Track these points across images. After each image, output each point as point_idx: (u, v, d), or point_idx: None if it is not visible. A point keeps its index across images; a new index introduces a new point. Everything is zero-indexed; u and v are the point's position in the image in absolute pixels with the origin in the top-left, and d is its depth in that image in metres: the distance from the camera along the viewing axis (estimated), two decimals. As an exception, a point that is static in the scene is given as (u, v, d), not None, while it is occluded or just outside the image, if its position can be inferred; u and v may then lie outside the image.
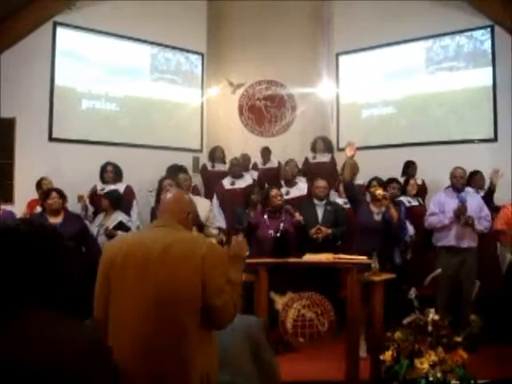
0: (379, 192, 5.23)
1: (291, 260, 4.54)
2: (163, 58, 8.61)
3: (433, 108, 8.07)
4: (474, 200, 5.60)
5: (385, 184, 5.93)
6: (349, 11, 8.53)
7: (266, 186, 6.82)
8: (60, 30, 7.54)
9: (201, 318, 2.19)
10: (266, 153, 8.07)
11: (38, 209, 5.87)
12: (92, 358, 1.33)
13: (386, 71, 8.50)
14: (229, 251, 2.50)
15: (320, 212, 5.95)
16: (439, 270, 4.78)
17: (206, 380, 2.17)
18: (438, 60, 8.06)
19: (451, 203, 5.54)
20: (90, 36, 7.83)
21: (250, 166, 7.96)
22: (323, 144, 8.01)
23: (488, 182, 6.17)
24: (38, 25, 7.31)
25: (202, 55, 8.98)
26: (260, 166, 8.02)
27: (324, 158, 7.93)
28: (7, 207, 6.17)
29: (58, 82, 7.50)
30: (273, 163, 8.03)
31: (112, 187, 6.57)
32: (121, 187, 6.71)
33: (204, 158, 8.49)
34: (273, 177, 7.62)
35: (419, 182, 7.13)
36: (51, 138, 7.42)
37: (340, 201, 6.55)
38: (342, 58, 8.97)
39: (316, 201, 6.01)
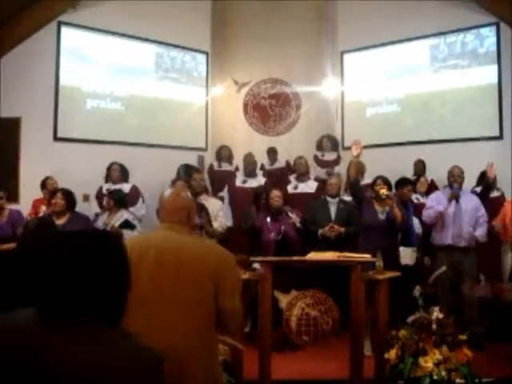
0: (383, 191, 5.22)
1: (296, 258, 4.54)
2: (168, 57, 8.62)
3: (438, 106, 8.06)
4: (469, 200, 5.60)
5: (395, 184, 5.90)
6: (353, 9, 8.51)
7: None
8: (65, 30, 7.56)
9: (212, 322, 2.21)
10: (272, 153, 8.05)
11: (43, 208, 5.89)
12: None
13: (390, 69, 8.48)
14: None
15: (333, 210, 5.95)
16: (444, 268, 4.77)
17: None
18: (442, 58, 8.04)
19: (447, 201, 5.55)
20: (95, 35, 7.85)
21: (258, 168, 7.84)
22: (330, 142, 8.07)
23: (497, 179, 6.17)
24: (42, 25, 7.35)
25: (207, 54, 8.99)
26: (267, 167, 8.00)
27: (331, 156, 7.96)
28: (14, 207, 6.19)
29: (62, 81, 7.53)
30: (280, 163, 8.03)
31: (118, 187, 6.59)
32: (127, 187, 6.73)
33: (209, 157, 8.50)
34: (280, 177, 7.62)
35: (429, 180, 7.15)
36: (56, 138, 7.45)
37: (347, 199, 6.55)
38: (346, 56, 8.95)
39: (329, 198, 6.01)
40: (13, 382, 1.21)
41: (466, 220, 5.49)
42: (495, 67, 7.55)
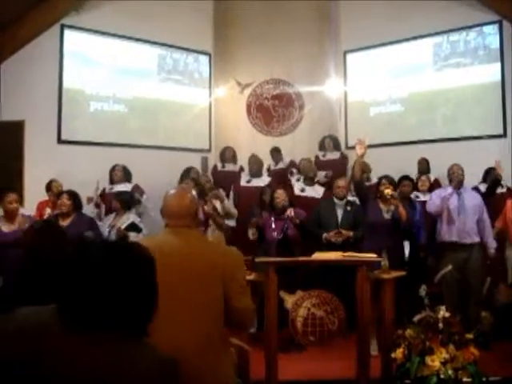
0: (388, 192, 5.22)
1: (301, 259, 4.54)
2: (171, 59, 8.62)
3: (441, 105, 8.05)
4: (472, 197, 5.59)
5: (397, 182, 5.90)
6: (356, 9, 8.50)
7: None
8: (67, 33, 7.57)
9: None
10: (276, 153, 8.04)
11: (48, 210, 5.89)
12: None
13: (393, 68, 8.48)
14: None
15: (340, 213, 5.87)
16: (450, 267, 4.76)
17: None
18: (445, 56, 8.03)
19: (450, 199, 5.54)
20: (98, 38, 7.86)
21: (265, 169, 7.81)
22: (331, 142, 8.10)
23: (503, 176, 6.17)
24: (45, 27, 7.36)
25: (210, 55, 8.98)
26: (272, 167, 7.98)
27: (333, 155, 7.97)
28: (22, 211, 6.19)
29: (66, 84, 7.54)
30: (284, 163, 8.01)
31: (120, 186, 6.59)
32: (129, 187, 6.72)
33: (212, 158, 8.50)
34: (285, 176, 7.62)
35: (432, 178, 7.13)
36: (60, 141, 7.45)
37: (351, 198, 6.53)
38: (349, 56, 8.94)
39: (336, 200, 5.98)
40: (13, 382, 1.22)
41: (470, 216, 5.48)
42: (498, 65, 7.55)
